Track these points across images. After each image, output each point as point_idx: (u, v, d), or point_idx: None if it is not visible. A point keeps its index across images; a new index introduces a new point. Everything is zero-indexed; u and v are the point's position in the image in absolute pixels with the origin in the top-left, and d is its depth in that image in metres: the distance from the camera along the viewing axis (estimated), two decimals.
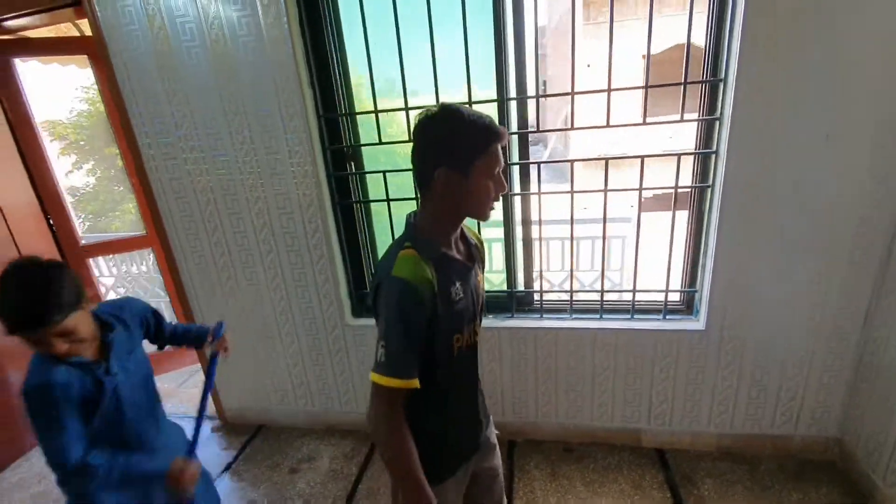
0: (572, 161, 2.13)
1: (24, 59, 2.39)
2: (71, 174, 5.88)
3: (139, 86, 1.90)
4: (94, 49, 1.86)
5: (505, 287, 2.05)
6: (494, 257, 2.03)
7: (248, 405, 2.43)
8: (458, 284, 0.96)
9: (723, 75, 1.59)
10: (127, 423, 1.20)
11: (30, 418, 1.05)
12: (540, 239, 2.02)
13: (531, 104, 1.81)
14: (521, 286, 2.09)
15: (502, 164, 0.92)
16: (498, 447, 1.25)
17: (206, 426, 1.25)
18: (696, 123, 1.70)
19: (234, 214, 2.04)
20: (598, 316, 1.99)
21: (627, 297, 1.98)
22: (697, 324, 1.87)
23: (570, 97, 1.77)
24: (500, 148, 0.90)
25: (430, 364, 0.95)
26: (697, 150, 1.72)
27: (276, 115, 1.85)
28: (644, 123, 1.72)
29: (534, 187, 1.92)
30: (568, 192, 1.87)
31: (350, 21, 1.81)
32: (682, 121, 1.68)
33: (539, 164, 1.89)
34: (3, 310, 0.98)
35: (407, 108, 1.84)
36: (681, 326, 1.88)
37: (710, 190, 1.73)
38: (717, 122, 1.64)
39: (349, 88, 1.92)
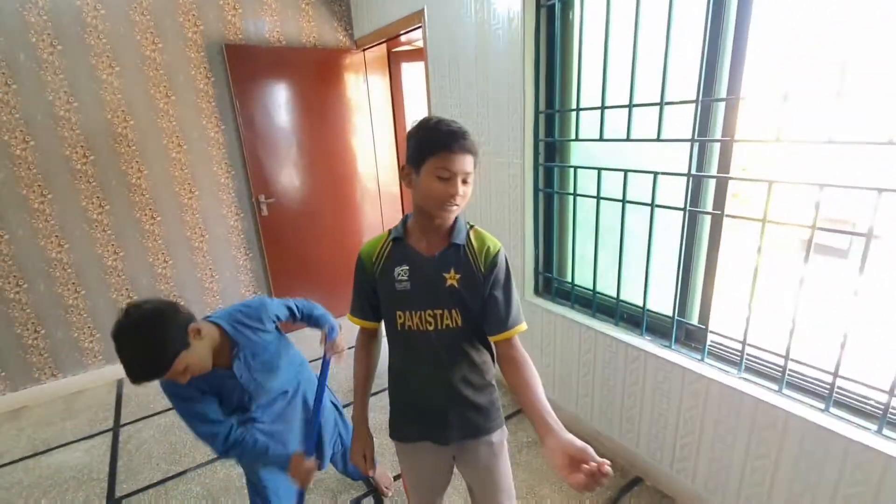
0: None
1: (407, 63, 3.60)
2: None
3: (437, 80, 2.66)
4: (424, 55, 2.71)
5: (670, 312, 1.82)
6: (666, 277, 1.79)
7: None
8: (405, 266, 1.10)
9: None
10: (257, 404, 1.43)
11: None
12: (756, 272, 1.67)
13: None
14: (696, 318, 1.81)
15: (455, 171, 0.99)
16: (503, 475, 1.26)
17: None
18: None
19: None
20: (777, 388, 1.53)
21: (827, 376, 1.44)
22: None
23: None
24: (453, 157, 0.98)
25: (386, 325, 1.18)
26: None
27: (504, 108, 2.23)
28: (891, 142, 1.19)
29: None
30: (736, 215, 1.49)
31: (577, 31, 1.96)
32: None
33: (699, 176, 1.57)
34: (124, 367, 1.08)
35: (603, 108, 1.87)
36: None
37: None
38: None
39: (565, 90, 2.08)
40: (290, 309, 1.53)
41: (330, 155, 3.47)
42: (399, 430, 1.26)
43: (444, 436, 1.19)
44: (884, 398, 1.32)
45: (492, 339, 1.15)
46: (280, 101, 3.19)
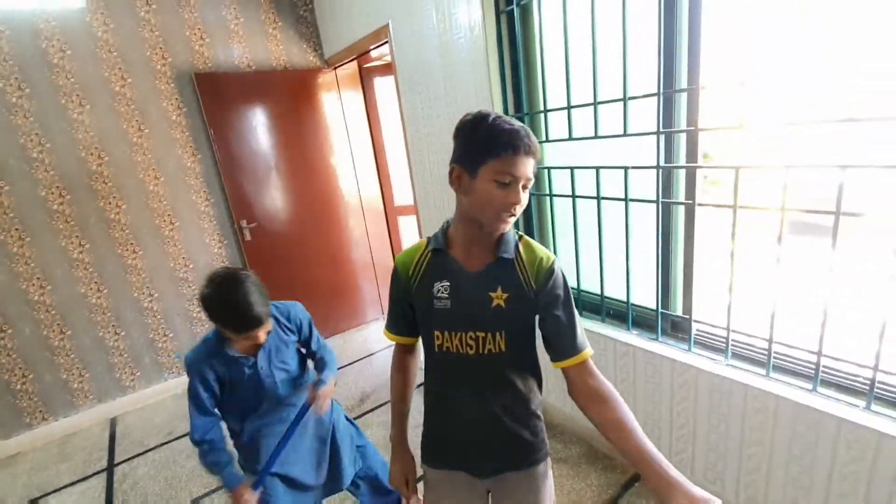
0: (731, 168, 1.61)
1: (379, 77, 3.61)
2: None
3: (408, 94, 2.66)
4: (393, 68, 2.72)
5: (653, 305, 1.82)
6: (647, 270, 1.79)
7: None
8: (445, 283, 0.98)
9: None
10: (263, 408, 1.44)
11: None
12: (732, 258, 1.67)
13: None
14: (679, 308, 1.80)
15: (518, 176, 0.88)
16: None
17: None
18: None
19: (451, 196, 2.58)
20: (763, 372, 1.53)
21: (812, 356, 1.43)
22: None
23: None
24: (516, 160, 0.87)
25: (424, 342, 1.08)
26: None
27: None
28: (851, 119, 1.19)
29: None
30: (724, 205, 1.49)
31: (538, 36, 1.98)
32: None
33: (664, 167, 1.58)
34: (236, 317, 1.26)
35: (569, 107, 1.88)
36: (889, 429, 1.25)
37: None
38: None
39: (532, 93, 2.09)
40: (310, 328, 1.55)
41: (310, 174, 3.46)
42: (432, 454, 1.14)
43: (481, 467, 1.09)
44: (869, 374, 1.32)
45: (560, 366, 1.00)
46: (255, 125, 3.20)
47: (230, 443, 1.47)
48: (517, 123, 0.89)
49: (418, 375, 1.17)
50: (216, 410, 1.41)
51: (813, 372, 1.42)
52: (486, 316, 0.97)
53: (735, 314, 1.59)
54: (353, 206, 3.71)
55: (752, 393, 1.51)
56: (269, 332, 1.39)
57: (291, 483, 1.49)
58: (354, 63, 3.46)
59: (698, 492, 0.75)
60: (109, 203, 2.85)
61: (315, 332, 1.57)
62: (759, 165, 1.41)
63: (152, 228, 3.01)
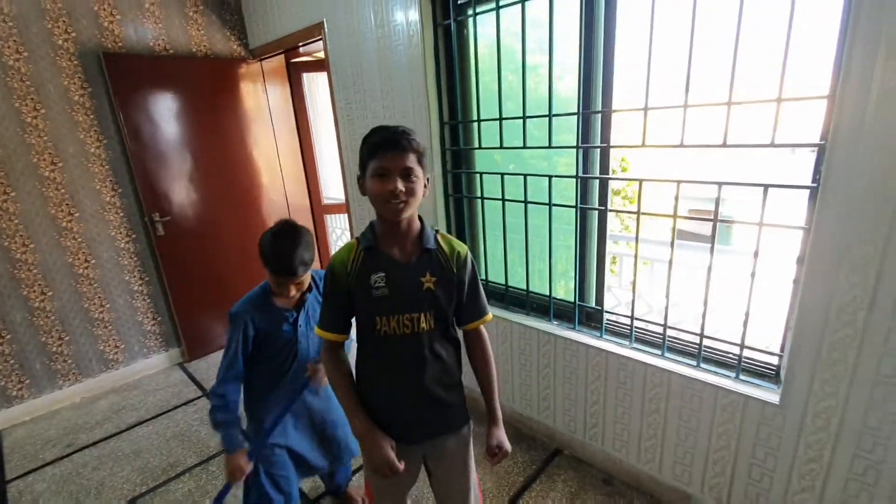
0: (640, 181, 1.93)
1: (307, 73, 3.58)
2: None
3: (342, 91, 2.70)
4: (327, 66, 2.73)
5: (572, 298, 2.06)
6: (567, 268, 2.03)
7: None
8: (381, 273, 1.12)
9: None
10: (293, 369, 1.56)
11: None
12: (636, 258, 1.94)
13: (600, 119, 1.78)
14: (593, 302, 2.06)
15: (390, 168, 1.04)
16: (467, 466, 1.32)
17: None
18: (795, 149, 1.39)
19: None
20: (660, 353, 1.81)
21: (697, 339, 1.74)
22: (774, 395, 1.53)
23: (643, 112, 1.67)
24: (388, 156, 1.05)
25: (360, 333, 1.20)
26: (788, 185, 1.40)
27: (411, 119, 2.34)
28: (724, 145, 1.49)
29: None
30: (626, 211, 1.76)
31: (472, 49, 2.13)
32: (772, 145, 1.40)
33: (591, 178, 1.83)
34: (276, 259, 1.42)
35: (501, 119, 2.06)
36: (752, 392, 1.56)
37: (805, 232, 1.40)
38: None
39: (466, 102, 2.25)
40: None
41: (230, 167, 3.33)
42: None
43: (415, 435, 1.23)
44: (737, 350, 1.64)
45: (464, 328, 1.26)
46: (171, 112, 3.01)
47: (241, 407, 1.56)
48: (393, 128, 1.07)
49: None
50: (242, 368, 1.48)
51: (697, 350, 1.72)
52: (419, 297, 1.14)
53: (637, 305, 1.87)
54: (278, 203, 3.62)
55: (650, 371, 1.79)
56: (303, 292, 1.53)
57: (298, 459, 1.62)
58: (282, 56, 3.39)
59: (501, 437, 1.24)
60: None
61: None
62: (657, 179, 1.68)
63: (46, 219, 2.71)
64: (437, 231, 1.21)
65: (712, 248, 1.59)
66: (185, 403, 2.85)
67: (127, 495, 2.13)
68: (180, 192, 3.12)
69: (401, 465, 1.15)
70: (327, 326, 1.19)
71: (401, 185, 1.05)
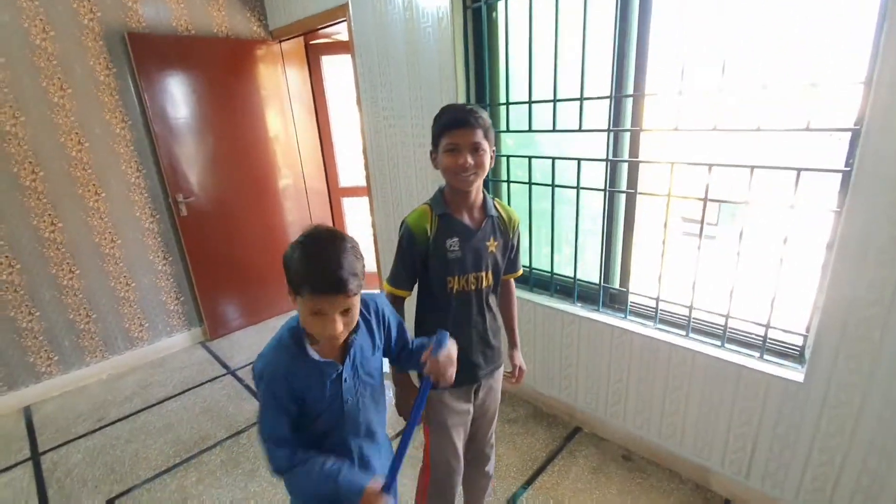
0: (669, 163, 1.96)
1: (326, 56, 3.58)
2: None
3: (367, 75, 2.71)
4: (351, 49, 2.74)
5: (597, 280, 2.11)
6: (594, 251, 2.07)
7: None
8: (455, 239, 1.26)
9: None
10: (343, 433, 1.07)
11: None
12: (664, 242, 1.97)
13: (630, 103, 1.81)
14: (618, 283, 2.11)
15: (460, 144, 1.16)
16: (498, 394, 1.50)
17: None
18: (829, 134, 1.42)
19: (407, 177, 2.69)
20: (684, 333, 1.87)
21: (722, 320, 1.79)
22: (798, 374, 1.58)
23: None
24: (458, 132, 1.16)
25: (431, 291, 1.32)
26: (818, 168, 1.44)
27: (437, 102, 2.36)
28: (758, 129, 1.53)
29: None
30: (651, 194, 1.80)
31: (503, 31, 2.15)
32: (808, 129, 1.44)
33: (615, 162, 1.87)
34: (315, 272, 0.88)
35: (530, 102, 2.09)
36: (776, 371, 1.62)
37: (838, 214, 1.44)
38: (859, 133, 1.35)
39: (494, 85, 2.27)
40: (401, 328, 1.22)
41: (250, 149, 3.35)
42: None
43: (479, 374, 1.39)
44: (762, 331, 1.69)
45: (508, 277, 1.46)
46: (194, 93, 3.03)
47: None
48: (461, 106, 1.20)
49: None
50: (289, 433, 1.00)
51: (721, 331, 1.78)
52: (484, 259, 1.30)
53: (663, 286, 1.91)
54: (297, 186, 3.65)
55: (675, 350, 1.84)
56: (351, 329, 0.99)
57: None
58: (301, 38, 3.39)
59: (520, 358, 1.53)
60: (24, 168, 2.56)
61: (404, 329, 1.23)
62: (689, 162, 1.71)
63: (74, 198, 2.75)
64: (494, 198, 1.36)
65: (740, 232, 1.63)
66: (210, 380, 2.92)
67: (162, 465, 2.21)
68: (202, 173, 3.15)
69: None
70: (401, 284, 1.32)
71: (470, 160, 1.17)
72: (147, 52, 2.79)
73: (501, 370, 1.50)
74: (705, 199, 1.70)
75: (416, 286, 1.36)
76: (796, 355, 1.66)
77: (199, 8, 3.02)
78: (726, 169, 1.64)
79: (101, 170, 2.81)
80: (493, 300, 1.39)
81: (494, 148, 1.25)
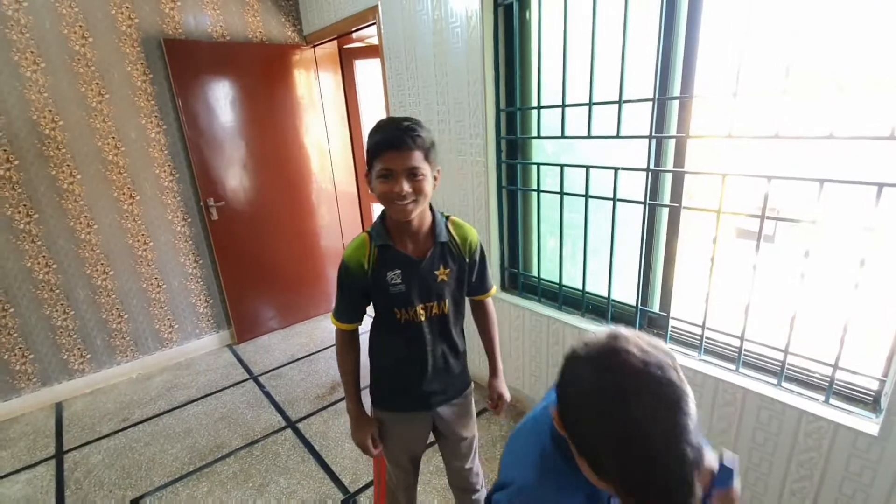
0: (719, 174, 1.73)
1: (359, 60, 3.53)
2: None
3: (395, 78, 2.62)
4: (380, 52, 2.66)
5: (632, 301, 1.91)
6: (631, 269, 1.87)
7: None
8: (396, 271, 1.15)
9: None
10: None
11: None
12: (712, 261, 1.76)
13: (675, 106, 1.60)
14: (657, 306, 1.90)
15: (394, 169, 1.03)
16: (472, 420, 1.44)
17: None
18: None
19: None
20: (733, 367, 1.64)
21: (780, 354, 1.56)
22: (871, 425, 1.34)
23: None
24: (391, 156, 1.03)
25: (380, 318, 1.24)
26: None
27: (465, 106, 2.24)
28: (830, 137, 1.30)
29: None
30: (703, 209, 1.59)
31: (535, 33, 2.00)
32: (893, 137, 1.21)
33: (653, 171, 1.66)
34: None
35: (564, 105, 1.92)
36: (844, 420, 1.38)
37: None
38: None
39: (525, 88, 2.12)
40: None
41: (282, 155, 3.34)
42: (391, 402, 1.32)
43: (431, 401, 1.31)
44: (828, 371, 1.45)
45: (478, 299, 1.36)
46: (226, 98, 3.04)
47: None
48: (397, 124, 1.03)
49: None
50: None
51: (779, 368, 1.54)
52: (433, 289, 1.20)
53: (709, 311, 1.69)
54: (327, 192, 3.62)
55: (722, 386, 1.62)
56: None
57: None
58: (335, 42, 3.36)
59: (502, 386, 1.40)
60: (62, 171, 2.63)
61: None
62: (745, 174, 1.50)
63: (110, 201, 2.81)
64: (447, 218, 1.23)
65: (806, 253, 1.40)
66: (232, 385, 2.90)
67: (176, 473, 2.18)
68: (234, 177, 3.16)
69: (376, 452, 1.30)
70: (342, 318, 1.22)
71: (407, 187, 1.03)
72: (182, 58, 2.82)
73: (466, 398, 1.40)
74: (762, 216, 1.48)
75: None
76: (870, 402, 1.41)
77: (235, 14, 3.03)
78: (788, 182, 1.42)
79: (136, 173, 2.86)
80: (453, 325, 1.27)
81: (439, 168, 1.13)
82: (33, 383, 2.74)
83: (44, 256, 2.65)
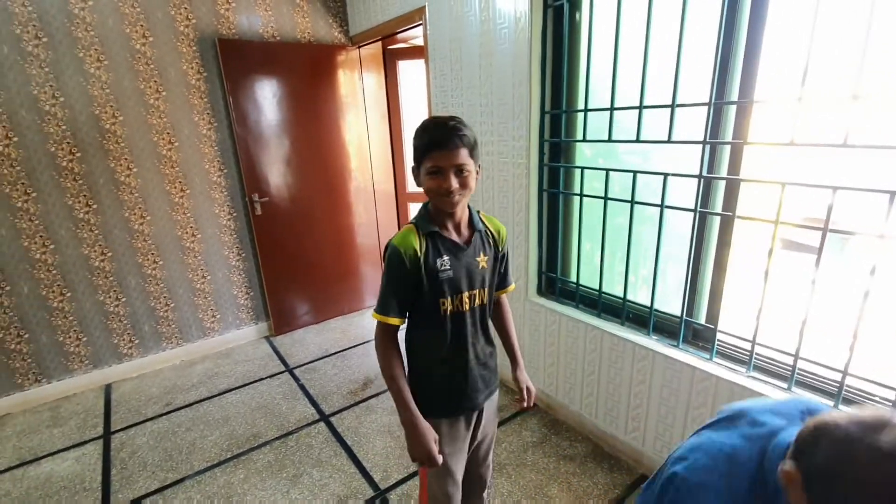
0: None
1: (403, 61, 3.56)
2: None
3: (439, 79, 2.63)
4: (425, 53, 2.68)
5: (676, 312, 1.84)
6: (677, 278, 1.80)
7: None
8: (445, 258, 1.19)
9: None
10: None
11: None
12: (767, 274, 1.69)
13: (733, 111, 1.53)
14: (703, 317, 1.83)
15: (443, 167, 1.09)
16: (496, 417, 1.49)
17: None
18: None
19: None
20: (785, 386, 1.56)
21: (836, 374, 1.47)
22: None
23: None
24: (440, 154, 1.09)
25: (423, 315, 1.22)
26: None
27: (509, 108, 2.22)
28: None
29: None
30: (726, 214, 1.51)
31: (585, 34, 1.96)
32: None
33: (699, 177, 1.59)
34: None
35: (612, 108, 1.88)
36: None
37: None
38: None
39: (572, 90, 2.08)
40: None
41: (324, 153, 3.41)
42: (442, 409, 1.29)
43: (478, 400, 1.33)
44: (891, 395, 1.35)
45: (500, 293, 1.41)
46: (274, 97, 3.12)
47: None
48: (443, 122, 1.10)
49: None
50: None
51: (836, 389, 1.46)
52: (477, 276, 1.24)
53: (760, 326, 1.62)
54: (366, 190, 3.67)
55: None
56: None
57: None
58: (379, 44, 3.40)
59: (526, 377, 1.42)
60: (120, 164, 2.77)
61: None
62: (806, 183, 1.42)
63: (162, 194, 2.93)
64: (479, 212, 1.30)
65: (873, 271, 1.32)
66: (269, 376, 2.97)
67: (214, 458, 2.25)
68: (278, 174, 3.25)
69: (440, 459, 1.21)
70: (392, 312, 1.19)
71: (455, 183, 1.10)
72: (234, 57, 2.92)
73: (498, 392, 1.45)
74: (825, 229, 1.40)
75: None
76: None
77: (286, 15, 3.12)
78: (851, 192, 1.33)
79: (187, 168, 2.98)
80: (488, 320, 1.33)
81: (480, 163, 1.19)
82: (85, 365, 2.89)
83: (100, 245, 2.79)
